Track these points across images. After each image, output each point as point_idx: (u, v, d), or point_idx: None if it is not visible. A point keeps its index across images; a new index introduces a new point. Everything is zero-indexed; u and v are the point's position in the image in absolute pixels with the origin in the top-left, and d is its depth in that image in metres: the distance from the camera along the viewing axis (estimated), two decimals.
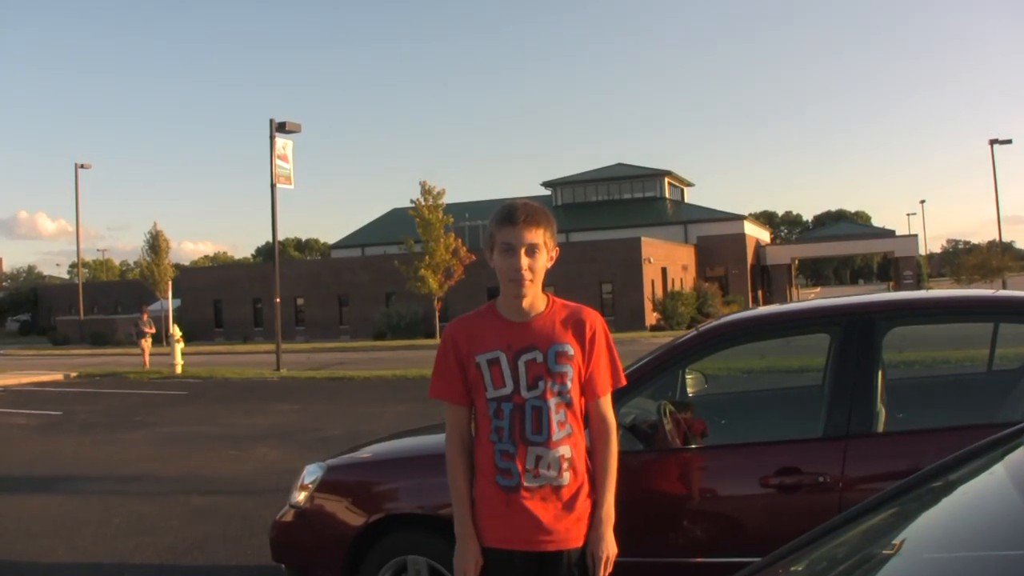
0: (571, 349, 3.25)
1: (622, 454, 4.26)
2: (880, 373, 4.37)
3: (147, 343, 31.40)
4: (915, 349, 8.34)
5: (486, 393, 3.26)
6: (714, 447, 4.82)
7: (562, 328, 3.27)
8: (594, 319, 3.34)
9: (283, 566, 5.36)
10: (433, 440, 4.84)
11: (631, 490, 4.24)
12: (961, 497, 1.86)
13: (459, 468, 3.36)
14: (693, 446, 4.60)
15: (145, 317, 32.12)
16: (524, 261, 3.19)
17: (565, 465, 3.23)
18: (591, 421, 3.33)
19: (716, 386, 6.87)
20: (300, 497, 5.21)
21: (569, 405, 3.25)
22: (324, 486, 5.13)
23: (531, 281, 3.22)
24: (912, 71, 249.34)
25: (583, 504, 3.27)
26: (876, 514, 1.92)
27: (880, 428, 4.31)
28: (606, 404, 3.34)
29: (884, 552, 1.73)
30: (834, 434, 4.25)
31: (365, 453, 5.55)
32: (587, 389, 3.30)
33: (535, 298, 3.29)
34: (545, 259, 3.27)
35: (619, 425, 4.31)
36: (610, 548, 3.27)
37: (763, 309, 5.65)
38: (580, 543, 3.25)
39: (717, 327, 5.00)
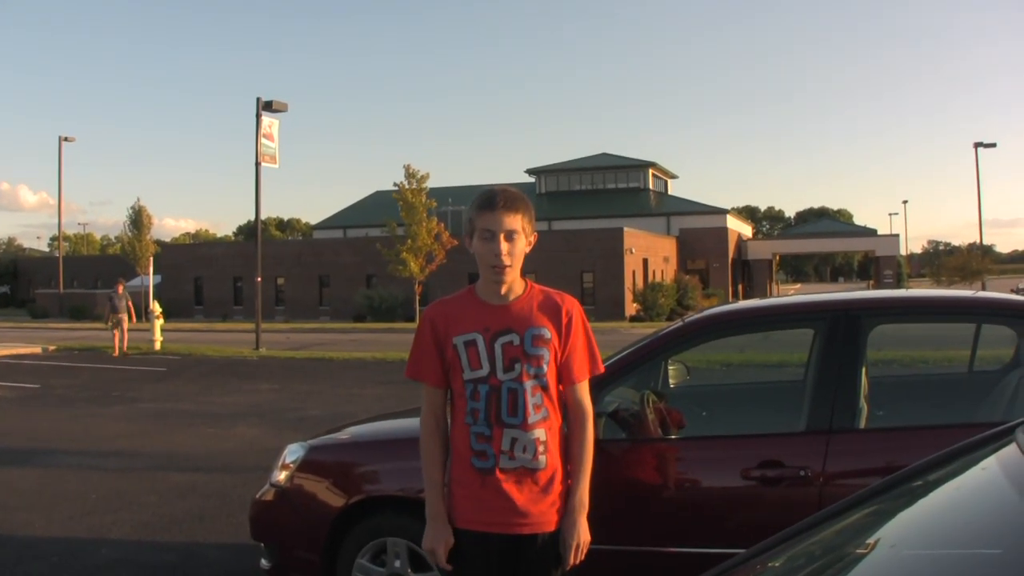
0: (548, 332, 3.27)
1: (605, 442, 4.30)
2: (863, 370, 4.40)
3: (124, 321, 25.74)
4: (893, 348, 8.38)
5: (463, 374, 3.28)
6: (696, 438, 4.84)
7: (539, 312, 3.30)
8: (571, 304, 3.37)
9: (262, 545, 5.35)
10: (413, 423, 4.83)
11: (612, 478, 4.26)
12: (948, 494, 1.86)
13: (433, 449, 3.38)
14: (675, 436, 4.62)
15: (120, 290, 26.56)
16: (503, 246, 3.21)
17: (541, 448, 3.25)
18: (568, 407, 3.34)
19: (698, 378, 6.89)
20: (281, 476, 5.20)
21: (545, 388, 3.27)
22: (305, 466, 5.12)
23: (510, 266, 3.24)
24: (899, 72, 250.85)
25: (558, 488, 3.29)
26: (859, 510, 1.91)
27: (862, 424, 4.33)
28: (583, 390, 3.35)
29: (865, 549, 1.72)
30: (816, 428, 4.27)
31: (347, 434, 5.55)
32: (563, 374, 3.32)
33: (513, 282, 3.31)
34: (524, 245, 3.29)
35: (602, 413, 4.35)
36: (583, 535, 3.28)
37: (749, 302, 5.67)
38: (555, 527, 3.27)
39: (703, 319, 5.01)
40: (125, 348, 25.91)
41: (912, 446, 4.04)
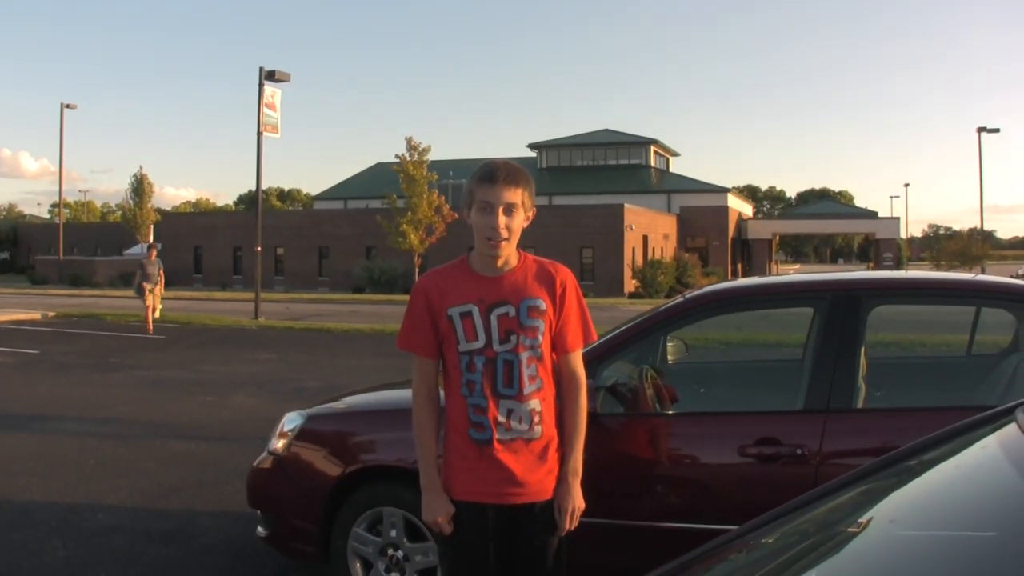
0: (542, 303, 3.28)
1: (602, 416, 4.31)
2: (862, 350, 4.41)
3: (154, 294, 22.44)
4: (892, 331, 8.37)
5: (458, 346, 3.28)
6: (694, 414, 4.85)
7: (534, 282, 3.31)
8: (565, 274, 3.38)
9: (259, 512, 5.37)
10: (409, 394, 4.84)
11: (609, 452, 4.28)
12: (946, 473, 1.85)
13: (426, 420, 3.38)
14: (672, 412, 4.63)
15: (153, 256, 22.78)
16: (501, 220, 3.21)
17: (536, 418, 3.26)
18: (562, 376, 3.35)
19: (696, 356, 6.90)
20: (279, 444, 5.21)
21: (540, 359, 3.28)
22: (303, 435, 5.13)
23: (507, 240, 3.24)
24: (904, 53, 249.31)
25: (553, 457, 3.31)
26: (854, 488, 1.90)
27: (860, 404, 4.34)
28: (576, 359, 3.37)
29: (858, 528, 1.71)
30: (814, 407, 4.28)
31: (344, 404, 5.55)
32: (557, 343, 3.33)
33: (509, 255, 3.32)
34: (522, 219, 3.29)
35: (600, 387, 4.36)
36: (577, 500, 3.30)
37: (750, 280, 5.66)
38: (550, 495, 3.29)
39: (704, 295, 5.00)
40: (150, 325, 22.32)
41: (910, 427, 4.03)
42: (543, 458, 3.29)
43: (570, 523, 3.30)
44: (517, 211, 3.25)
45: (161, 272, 22.61)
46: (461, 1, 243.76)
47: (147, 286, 22.12)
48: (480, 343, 3.26)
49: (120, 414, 11.21)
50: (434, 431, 3.39)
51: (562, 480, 3.30)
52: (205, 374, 15.20)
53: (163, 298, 24.13)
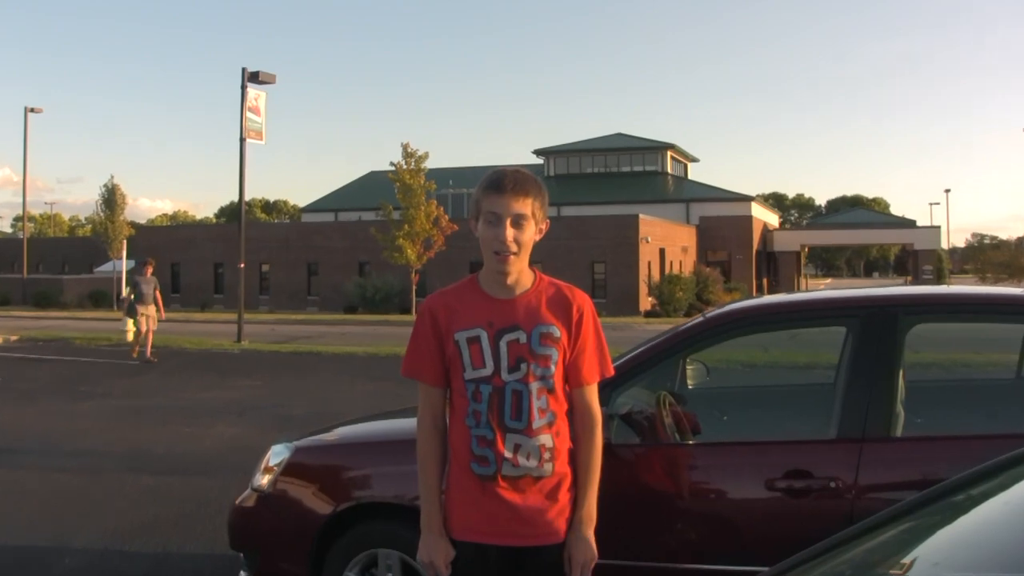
0: (556, 330, 3.26)
1: (617, 446, 4.29)
2: (900, 372, 4.39)
3: (147, 315, 21.15)
4: (933, 350, 8.34)
5: (463, 373, 3.27)
6: (715, 444, 4.82)
7: (548, 307, 3.28)
8: (582, 300, 3.35)
9: (242, 555, 5.35)
10: (410, 424, 4.81)
11: (623, 486, 4.26)
12: (995, 510, 1.84)
13: (430, 453, 3.36)
14: (692, 442, 4.61)
15: (149, 272, 21.75)
16: (510, 232, 3.19)
17: (546, 455, 3.24)
18: (575, 411, 3.33)
19: (718, 379, 6.87)
20: (263, 480, 5.20)
21: (551, 391, 3.26)
22: (290, 469, 5.11)
23: (516, 255, 3.22)
24: (945, 49, 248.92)
25: (564, 497, 3.27)
26: (895, 526, 1.89)
27: (898, 432, 4.32)
28: (591, 394, 3.34)
29: (900, 569, 1.70)
30: (848, 435, 4.25)
31: (336, 435, 5.54)
32: (571, 375, 3.31)
33: (520, 274, 3.29)
34: (533, 232, 3.27)
35: (614, 415, 4.34)
36: (590, 551, 3.27)
37: (776, 297, 5.65)
38: (560, 538, 3.26)
39: (726, 313, 5.00)
40: (148, 352, 21.35)
41: (953, 457, 4.02)
42: (553, 498, 3.26)
43: None
44: (527, 223, 3.24)
45: (158, 292, 21.56)
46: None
47: (141, 308, 21.01)
48: (487, 370, 3.24)
49: (89, 446, 11.20)
50: (439, 465, 3.37)
51: (574, 527, 3.27)
52: (183, 402, 15.20)
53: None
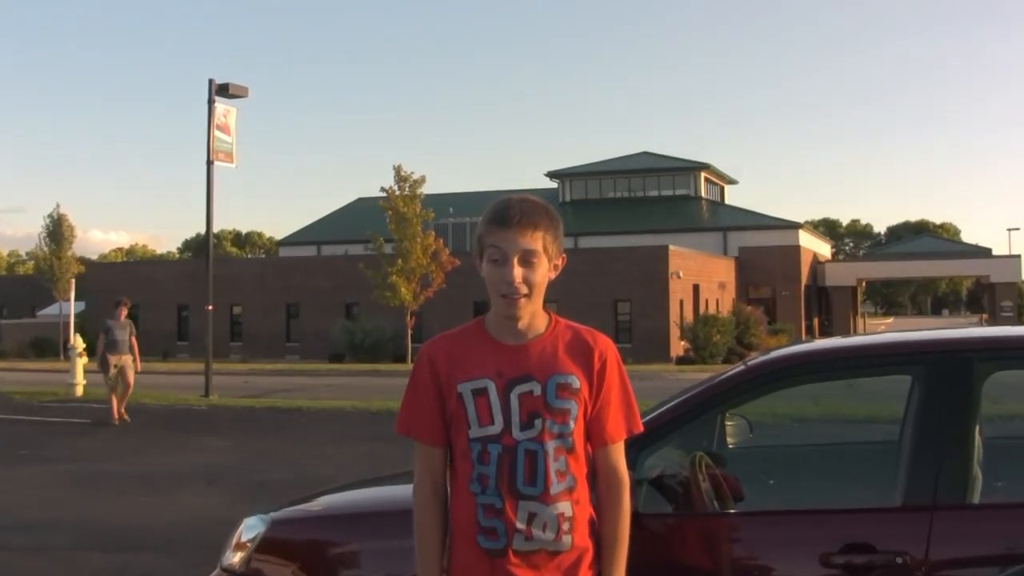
0: (576, 381, 3.23)
1: (646, 516, 4.27)
2: (977, 428, 4.36)
3: (121, 366, 20.69)
4: (1014, 400, 8.32)
5: (468, 431, 3.24)
6: (761, 513, 4.79)
7: (566, 354, 3.26)
8: (605, 345, 3.32)
9: None
10: (404, 492, 4.80)
11: (653, 563, 4.23)
12: None
13: (429, 524, 3.34)
14: (734, 510, 4.58)
15: (123, 315, 21.25)
16: (518, 272, 3.17)
17: (565, 526, 3.21)
18: (598, 474, 3.31)
19: (763, 437, 6.85)
20: (235, 558, 5.17)
21: (571, 451, 3.23)
22: (266, 545, 5.09)
23: (527, 297, 3.20)
24: (1018, 55, 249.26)
25: (587, 574, 3.25)
26: None
27: (975, 498, 4.29)
28: (617, 453, 3.32)
29: None
30: (916, 503, 4.23)
31: (319, 505, 5.53)
32: (593, 432, 3.29)
33: (533, 316, 3.28)
34: (546, 270, 3.26)
35: (643, 480, 4.32)
36: None
37: (829, 340, 5.65)
38: None
39: (771, 360, 4.98)
40: (122, 410, 20.94)
41: None
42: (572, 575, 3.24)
43: None
44: (538, 260, 3.21)
45: (134, 338, 21.23)
46: (459, 2, 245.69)
47: (113, 359, 20.63)
48: (496, 428, 3.22)
49: (32, 519, 11.18)
50: (439, 539, 3.35)
51: None
52: (142, 467, 15.19)
53: (87, 371, 23.64)
